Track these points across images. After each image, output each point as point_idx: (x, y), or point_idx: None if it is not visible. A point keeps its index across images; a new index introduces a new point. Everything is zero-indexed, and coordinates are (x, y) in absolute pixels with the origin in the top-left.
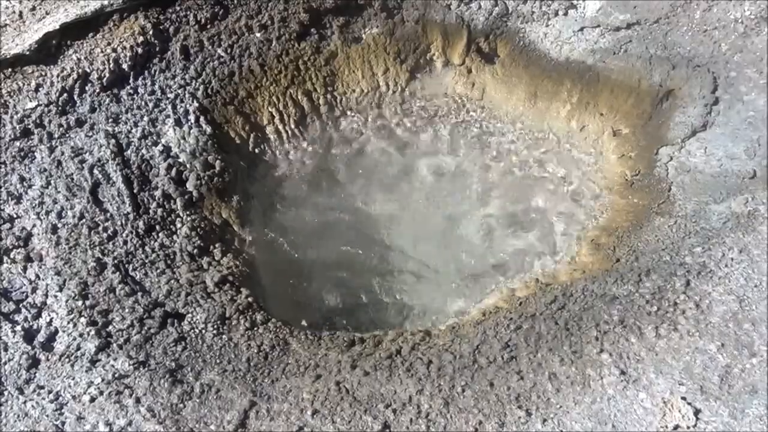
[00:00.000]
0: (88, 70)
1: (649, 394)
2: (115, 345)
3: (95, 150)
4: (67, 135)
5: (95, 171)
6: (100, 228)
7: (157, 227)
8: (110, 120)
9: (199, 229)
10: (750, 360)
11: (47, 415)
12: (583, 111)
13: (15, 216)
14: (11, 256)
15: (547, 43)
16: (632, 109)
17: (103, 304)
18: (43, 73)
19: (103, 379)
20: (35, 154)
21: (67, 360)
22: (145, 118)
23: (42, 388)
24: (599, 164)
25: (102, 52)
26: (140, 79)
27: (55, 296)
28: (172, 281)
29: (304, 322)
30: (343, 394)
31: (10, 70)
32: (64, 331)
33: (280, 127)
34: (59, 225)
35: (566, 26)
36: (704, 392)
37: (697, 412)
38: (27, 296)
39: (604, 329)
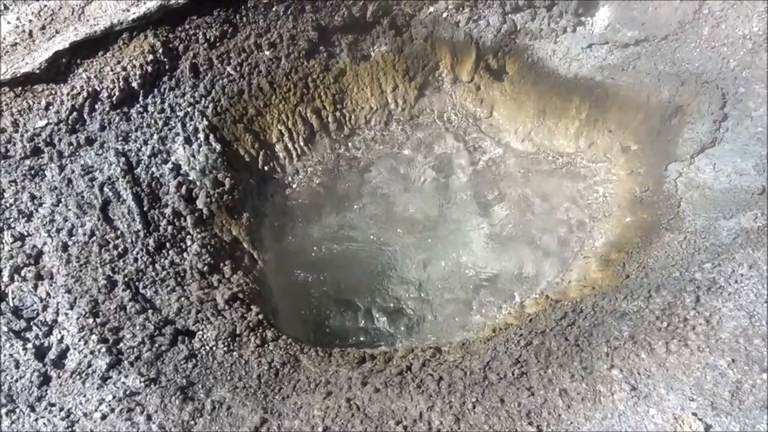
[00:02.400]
0: (98, 89)
1: (659, 409)
2: (126, 362)
3: (105, 168)
4: (77, 153)
5: (105, 189)
6: (111, 246)
7: (168, 245)
8: (120, 138)
9: (209, 247)
10: (761, 375)
11: None
12: (592, 128)
13: (26, 234)
14: (22, 274)
15: (555, 60)
16: (641, 126)
17: (113, 322)
18: (53, 92)
19: (114, 396)
20: (45, 172)
21: (78, 377)
22: (155, 136)
23: (53, 405)
24: (608, 181)
25: (112, 70)
26: (150, 97)
27: (66, 314)
28: (183, 299)
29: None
30: (353, 410)
31: (20, 88)
32: (75, 349)
33: (290, 144)
34: (70, 243)
35: (575, 43)
36: (715, 408)
37: (707, 427)
38: (38, 314)
39: (615, 345)
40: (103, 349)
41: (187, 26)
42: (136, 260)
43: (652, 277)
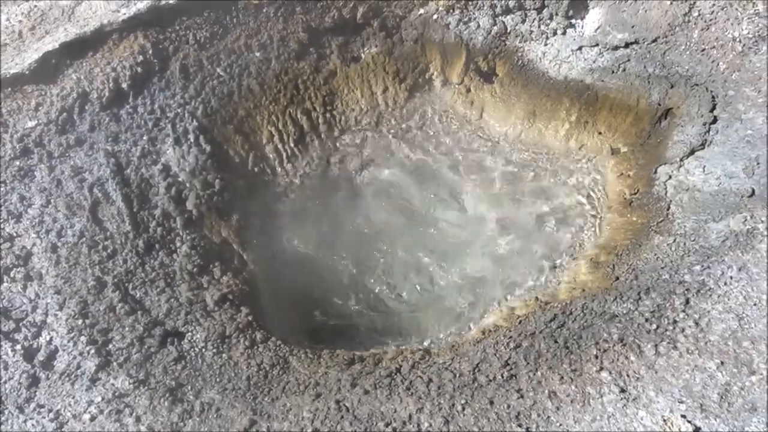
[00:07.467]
0: (88, 90)
1: (648, 412)
2: (115, 364)
3: (95, 169)
4: (66, 154)
5: (95, 190)
6: (100, 247)
7: (157, 246)
8: (110, 139)
9: (198, 248)
10: (749, 378)
11: None
12: (582, 130)
13: (15, 235)
14: (11, 275)
15: (545, 62)
16: (631, 128)
17: (103, 323)
18: (43, 93)
19: (103, 398)
20: (35, 173)
21: (67, 378)
22: (145, 137)
23: (42, 406)
24: (598, 183)
25: (101, 71)
26: (140, 98)
27: (55, 315)
28: (172, 300)
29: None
30: (343, 412)
31: (9, 89)
32: (64, 350)
33: (280, 146)
34: (59, 244)
35: (565, 45)
36: (704, 410)
37: (696, 430)
38: (27, 315)
39: (604, 347)
40: (92, 351)
41: (177, 27)
42: (125, 261)
43: (642, 279)
